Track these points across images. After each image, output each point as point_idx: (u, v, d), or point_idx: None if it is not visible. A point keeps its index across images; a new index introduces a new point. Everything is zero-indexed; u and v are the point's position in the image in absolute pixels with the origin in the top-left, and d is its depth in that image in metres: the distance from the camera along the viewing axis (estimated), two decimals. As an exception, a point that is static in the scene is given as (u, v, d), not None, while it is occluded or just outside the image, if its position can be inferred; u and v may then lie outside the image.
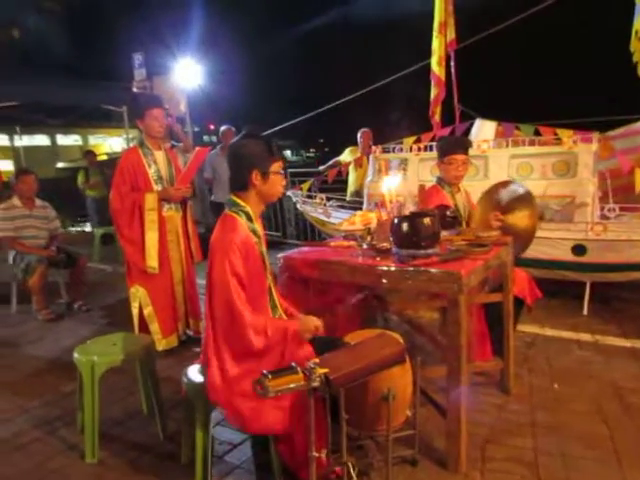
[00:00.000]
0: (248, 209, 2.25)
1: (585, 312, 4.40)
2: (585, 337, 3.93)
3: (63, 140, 25.74)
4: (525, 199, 3.20)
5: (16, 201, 5.11)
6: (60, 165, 21.45)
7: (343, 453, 1.95)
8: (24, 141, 14.88)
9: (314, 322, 2.21)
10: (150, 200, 3.74)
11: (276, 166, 2.23)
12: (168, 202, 3.87)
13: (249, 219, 2.24)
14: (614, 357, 3.57)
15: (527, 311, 3.43)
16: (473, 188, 3.76)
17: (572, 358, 3.60)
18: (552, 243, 4.34)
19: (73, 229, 11.11)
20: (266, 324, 2.11)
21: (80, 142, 26.50)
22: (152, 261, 3.73)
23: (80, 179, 8.75)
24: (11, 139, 18.90)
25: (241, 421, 2.10)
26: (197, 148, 4.32)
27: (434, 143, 5.19)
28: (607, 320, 4.26)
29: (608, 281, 4.45)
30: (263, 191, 2.25)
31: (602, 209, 4.60)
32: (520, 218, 3.17)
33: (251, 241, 2.20)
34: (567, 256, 4.35)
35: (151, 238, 3.74)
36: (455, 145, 3.43)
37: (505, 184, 3.40)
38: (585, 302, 4.42)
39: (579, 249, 4.30)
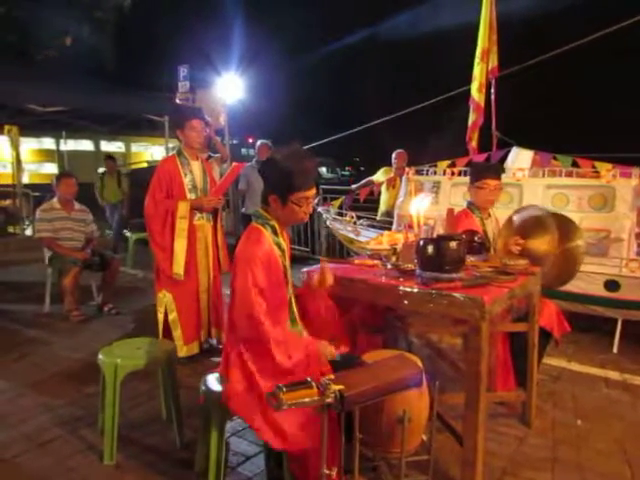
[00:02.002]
0: (274, 223, 2.28)
1: (615, 350, 4.27)
2: (613, 375, 3.82)
3: (107, 147, 26.36)
4: (544, 222, 3.11)
5: (56, 203, 5.28)
6: (101, 170, 21.99)
7: (355, 473, 1.94)
8: (69, 145, 15.34)
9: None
10: (182, 208, 3.82)
11: (298, 196, 2.18)
12: (200, 211, 3.95)
13: (274, 232, 2.27)
14: (642, 398, 3.47)
15: (554, 344, 3.36)
16: (505, 215, 3.72)
17: (598, 396, 3.50)
18: (584, 277, 4.25)
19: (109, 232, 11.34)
20: (286, 338, 2.13)
21: (123, 149, 27.14)
22: (178, 268, 3.79)
23: (98, 185, 8.93)
24: (57, 143, 19.52)
25: (269, 437, 2.06)
26: (234, 163, 4.40)
27: (468, 168, 5.17)
28: (637, 359, 4.13)
29: (641, 319, 4.33)
30: (280, 215, 2.26)
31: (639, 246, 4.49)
32: (539, 243, 3.11)
33: (274, 254, 2.23)
34: (599, 291, 4.25)
35: (180, 245, 3.80)
36: (488, 170, 3.41)
37: (526, 207, 3.36)
38: (616, 339, 4.30)
39: (612, 285, 4.20)
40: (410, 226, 2.77)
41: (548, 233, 3.07)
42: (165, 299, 3.86)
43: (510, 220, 3.35)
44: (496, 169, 3.47)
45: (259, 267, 2.13)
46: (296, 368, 2.10)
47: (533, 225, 3.18)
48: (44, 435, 2.93)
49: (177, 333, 3.85)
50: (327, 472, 1.78)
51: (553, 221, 3.09)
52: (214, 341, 4.14)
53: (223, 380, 2.25)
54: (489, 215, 3.47)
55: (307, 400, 1.59)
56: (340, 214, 7.27)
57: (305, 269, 2.72)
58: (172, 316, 3.85)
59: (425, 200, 2.85)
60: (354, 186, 7.91)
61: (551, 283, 3.20)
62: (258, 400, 2.07)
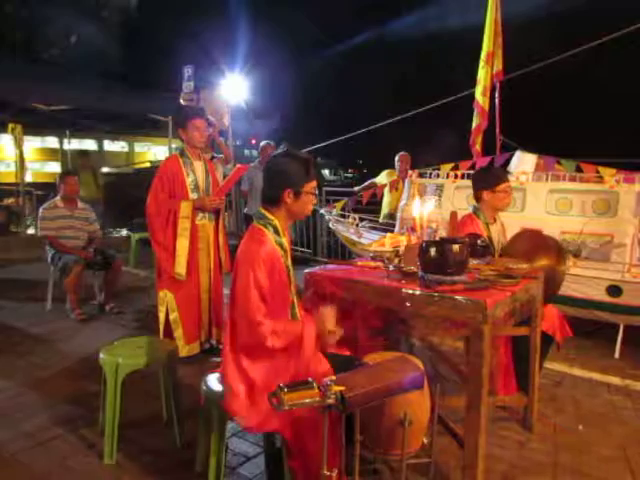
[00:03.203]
0: (276, 223, 2.27)
1: (617, 355, 4.26)
2: (615, 381, 3.81)
3: (110, 146, 26.38)
4: (539, 243, 3.18)
5: (59, 202, 5.29)
6: (104, 170, 22.04)
7: (356, 475, 1.93)
8: (72, 145, 15.38)
9: (327, 326, 2.26)
10: (185, 208, 3.82)
11: (309, 186, 2.26)
12: (202, 211, 3.94)
13: (276, 232, 2.26)
14: (644, 403, 3.46)
15: (556, 349, 3.36)
16: (509, 220, 3.71)
17: (600, 401, 3.49)
18: (586, 282, 4.24)
19: (113, 232, 11.33)
20: (285, 325, 2.17)
21: (126, 149, 27.16)
22: (180, 268, 3.79)
23: None
24: (60, 142, 19.58)
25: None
26: (238, 165, 4.40)
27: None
28: (639, 365, 4.12)
29: (643, 325, 4.32)
30: (293, 209, 2.27)
31: (643, 251, 4.47)
32: (542, 265, 3.10)
33: (277, 254, 2.22)
34: (601, 296, 4.24)
35: (182, 245, 3.80)
36: (504, 174, 3.41)
37: (521, 234, 3.37)
38: (617, 345, 4.28)
39: (614, 290, 4.19)
40: (413, 229, 2.76)
41: (547, 252, 3.12)
42: (166, 299, 3.86)
43: (511, 245, 3.33)
44: (507, 172, 3.50)
45: (261, 267, 2.12)
46: (290, 352, 2.15)
47: (531, 247, 3.19)
48: (44, 434, 2.92)
49: (178, 333, 3.85)
50: (327, 473, 1.78)
51: (546, 238, 3.21)
52: (214, 341, 4.14)
53: (222, 380, 2.25)
54: (494, 220, 3.45)
55: (308, 401, 1.59)
56: (343, 216, 7.27)
57: (307, 270, 2.72)
58: (173, 315, 3.85)
59: (428, 203, 2.84)
60: (357, 188, 7.90)
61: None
62: (258, 399, 2.08)
